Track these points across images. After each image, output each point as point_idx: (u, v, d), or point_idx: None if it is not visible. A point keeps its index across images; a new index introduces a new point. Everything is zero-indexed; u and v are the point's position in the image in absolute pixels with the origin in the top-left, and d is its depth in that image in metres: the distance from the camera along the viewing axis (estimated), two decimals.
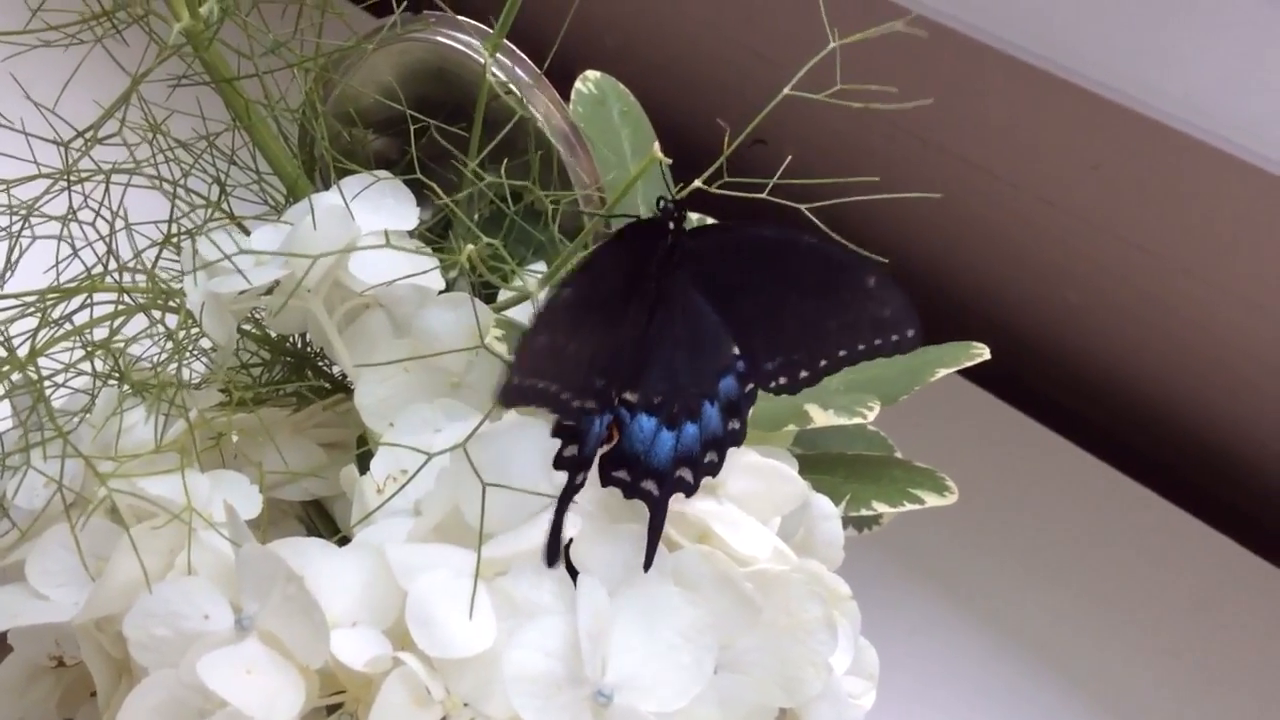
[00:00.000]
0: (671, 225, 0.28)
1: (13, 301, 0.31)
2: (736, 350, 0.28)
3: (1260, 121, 0.43)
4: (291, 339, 0.36)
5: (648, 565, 0.26)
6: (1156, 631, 0.48)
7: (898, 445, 0.38)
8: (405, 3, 0.27)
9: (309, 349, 0.36)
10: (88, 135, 0.28)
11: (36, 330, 0.27)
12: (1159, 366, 0.56)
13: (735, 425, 0.27)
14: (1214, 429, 0.55)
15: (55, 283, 0.32)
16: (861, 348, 0.27)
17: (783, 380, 0.27)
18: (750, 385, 0.28)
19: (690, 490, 0.27)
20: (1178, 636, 0.48)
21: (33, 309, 0.28)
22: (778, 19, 0.58)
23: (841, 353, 0.27)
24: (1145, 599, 0.49)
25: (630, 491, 0.27)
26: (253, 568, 0.25)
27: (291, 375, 0.36)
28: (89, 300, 0.31)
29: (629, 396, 0.28)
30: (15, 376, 0.30)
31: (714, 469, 0.28)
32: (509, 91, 0.33)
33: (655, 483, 0.27)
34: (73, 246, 0.32)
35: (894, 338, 0.26)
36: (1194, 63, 0.43)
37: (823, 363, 0.27)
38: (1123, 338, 0.57)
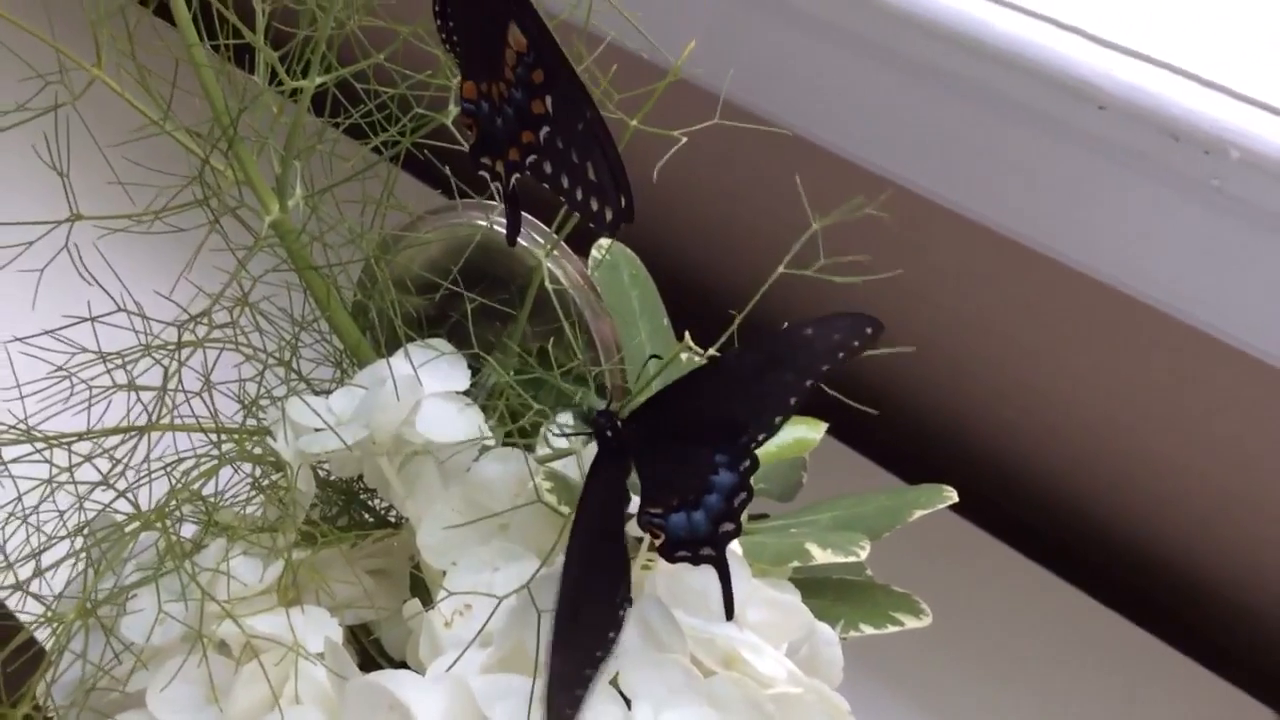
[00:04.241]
0: (609, 433, 0.33)
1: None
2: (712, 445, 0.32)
3: (1183, 286, 0.49)
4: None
5: (729, 615, 0.33)
6: None
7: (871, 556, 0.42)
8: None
9: (359, 487, 0.40)
10: (199, 318, 0.33)
11: (171, 493, 0.32)
12: (1109, 490, 0.62)
13: (746, 464, 0.32)
14: (1176, 557, 0.60)
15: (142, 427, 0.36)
16: (827, 368, 0.32)
17: (776, 425, 0.32)
18: (743, 439, 0.32)
19: (737, 533, 0.32)
20: None
21: (163, 471, 0.32)
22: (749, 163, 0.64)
23: (808, 382, 0.32)
24: (1100, 712, 0.54)
25: (696, 561, 0.33)
26: (360, 697, 0.30)
27: (344, 509, 0.40)
28: (183, 454, 0.35)
29: (654, 510, 0.33)
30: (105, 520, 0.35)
31: (748, 500, 0.32)
32: (543, 269, 0.38)
33: (710, 547, 0.32)
34: (156, 407, 0.36)
35: (855, 343, 0.31)
36: (1129, 232, 0.49)
37: (806, 386, 0.32)
38: (1066, 457, 0.63)
